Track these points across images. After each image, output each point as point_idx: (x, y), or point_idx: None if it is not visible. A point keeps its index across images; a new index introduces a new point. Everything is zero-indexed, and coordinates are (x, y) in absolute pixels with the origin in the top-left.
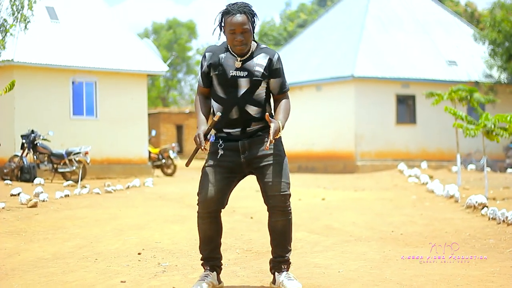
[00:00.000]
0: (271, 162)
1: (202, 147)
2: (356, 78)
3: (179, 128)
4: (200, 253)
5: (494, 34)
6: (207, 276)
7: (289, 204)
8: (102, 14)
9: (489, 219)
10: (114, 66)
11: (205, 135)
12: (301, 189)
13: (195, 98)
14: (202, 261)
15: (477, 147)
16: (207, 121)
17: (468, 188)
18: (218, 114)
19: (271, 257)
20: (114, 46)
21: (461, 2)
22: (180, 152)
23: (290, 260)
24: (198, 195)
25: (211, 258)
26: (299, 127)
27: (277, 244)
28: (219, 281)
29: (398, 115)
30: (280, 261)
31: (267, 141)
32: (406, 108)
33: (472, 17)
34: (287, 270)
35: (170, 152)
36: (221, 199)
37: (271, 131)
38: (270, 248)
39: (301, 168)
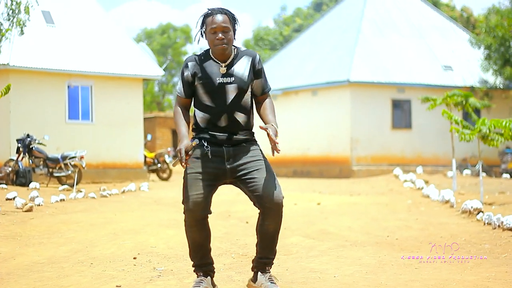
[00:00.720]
0: (261, 167)
1: (183, 164)
2: (351, 82)
3: (175, 133)
4: (191, 260)
5: (490, 39)
6: (201, 282)
7: (283, 208)
8: (98, 18)
9: (484, 224)
10: (109, 70)
11: (187, 151)
12: (297, 194)
13: (175, 110)
14: (194, 268)
15: (473, 152)
16: (188, 134)
17: (464, 193)
18: (195, 141)
19: (256, 256)
20: (110, 50)
21: (456, 7)
22: (175, 156)
23: (273, 262)
24: (183, 203)
25: (203, 264)
26: (294, 132)
27: (266, 247)
28: (214, 285)
29: (394, 119)
30: (265, 262)
31: (274, 144)
32: (401, 112)
33: (467, 22)
34: (270, 272)
35: (166, 156)
36: (207, 206)
37: (271, 133)
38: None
39: (296, 172)
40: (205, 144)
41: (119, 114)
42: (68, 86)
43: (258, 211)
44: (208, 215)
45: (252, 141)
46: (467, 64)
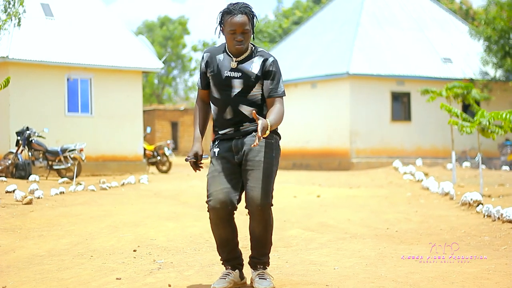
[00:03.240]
0: (257, 168)
1: (196, 171)
2: (351, 75)
3: (174, 125)
4: (219, 255)
5: (489, 31)
6: (228, 275)
7: (269, 213)
8: (98, 11)
9: (484, 216)
10: (109, 63)
11: (196, 158)
12: (296, 186)
13: (195, 106)
14: (222, 262)
15: (472, 144)
16: (203, 134)
17: (463, 185)
18: (206, 157)
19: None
20: (109, 43)
21: (456, 0)
22: (175, 149)
23: (268, 261)
24: (207, 203)
25: (231, 258)
26: (293, 124)
27: (254, 247)
28: (242, 278)
29: (393, 112)
30: (255, 261)
31: (255, 138)
32: (401, 105)
33: (467, 15)
34: (264, 269)
35: (165, 149)
36: (231, 202)
37: (259, 127)
38: None
39: (295, 165)
40: (217, 142)
41: (118, 106)
42: (68, 79)
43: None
44: (234, 211)
45: (268, 138)
46: (466, 57)
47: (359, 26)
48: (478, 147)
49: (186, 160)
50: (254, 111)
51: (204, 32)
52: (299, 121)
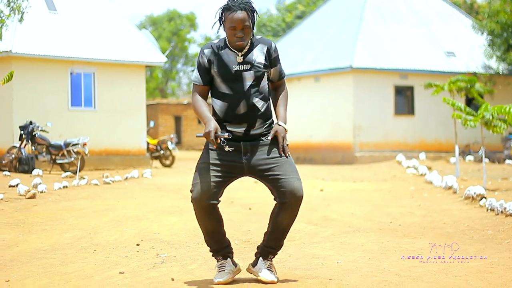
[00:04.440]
0: (282, 162)
1: (215, 145)
2: (354, 69)
3: (178, 119)
4: (208, 246)
5: (493, 24)
6: (224, 265)
7: (300, 205)
8: (101, 5)
9: (487, 210)
10: (112, 57)
11: (216, 132)
12: None
13: (193, 99)
14: (212, 253)
15: (476, 138)
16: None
17: (467, 179)
18: (227, 134)
19: (262, 243)
20: (113, 37)
21: None
22: (178, 143)
23: (277, 253)
24: (191, 192)
25: (220, 248)
26: (297, 118)
27: (275, 238)
28: (235, 265)
29: (397, 106)
30: (269, 251)
31: (280, 148)
32: (404, 99)
33: (471, 9)
34: (271, 260)
35: (169, 143)
36: (214, 196)
37: (280, 138)
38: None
39: (299, 159)
40: (228, 133)
41: (121, 101)
42: (71, 73)
43: (264, 198)
44: (217, 203)
45: (269, 134)
46: (469, 50)
47: (362, 20)
48: (481, 141)
49: (216, 136)
50: (273, 134)
51: (209, 27)
52: (302, 115)
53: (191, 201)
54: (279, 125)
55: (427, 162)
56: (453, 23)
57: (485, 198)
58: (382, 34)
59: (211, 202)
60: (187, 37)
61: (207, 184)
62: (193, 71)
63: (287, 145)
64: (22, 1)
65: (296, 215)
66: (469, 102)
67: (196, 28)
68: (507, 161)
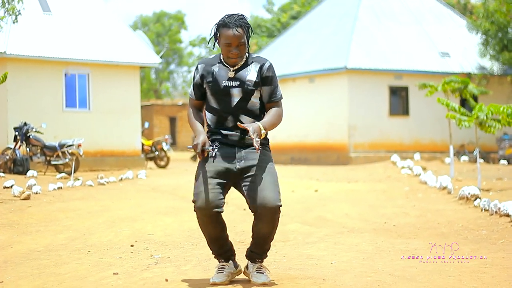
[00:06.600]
0: (263, 172)
1: (200, 157)
2: (349, 69)
3: (172, 120)
4: (211, 250)
5: (487, 24)
6: (224, 267)
7: (279, 215)
8: (95, 6)
9: (481, 210)
10: (107, 58)
11: (203, 145)
12: (294, 181)
13: (188, 112)
14: (214, 255)
15: (470, 138)
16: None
17: (461, 179)
18: (212, 147)
19: (249, 247)
20: (107, 38)
21: None
22: (173, 144)
23: (266, 255)
24: (193, 202)
25: (223, 252)
26: (292, 119)
27: (256, 245)
28: (236, 266)
29: (391, 106)
30: (254, 256)
31: (256, 142)
32: (399, 99)
33: (465, 9)
34: (261, 262)
35: (163, 144)
36: (218, 204)
37: (250, 132)
38: None
39: (294, 159)
40: (216, 144)
41: (116, 102)
42: (65, 74)
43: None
44: (221, 213)
45: (263, 145)
46: (464, 51)
47: (357, 20)
48: (476, 141)
49: (202, 149)
50: (238, 123)
51: (202, 28)
52: (297, 116)
53: (195, 210)
54: (257, 124)
55: (422, 163)
56: (447, 23)
57: (480, 198)
58: (377, 34)
59: (217, 210)
60: (177, 37)
61: (211, 193)
62: (188, 71)
63: (258, 141)
64: (17, 3)
65: (275, 225)
66: (464, 102)
67: (186, 27)
68: (502, 161)
